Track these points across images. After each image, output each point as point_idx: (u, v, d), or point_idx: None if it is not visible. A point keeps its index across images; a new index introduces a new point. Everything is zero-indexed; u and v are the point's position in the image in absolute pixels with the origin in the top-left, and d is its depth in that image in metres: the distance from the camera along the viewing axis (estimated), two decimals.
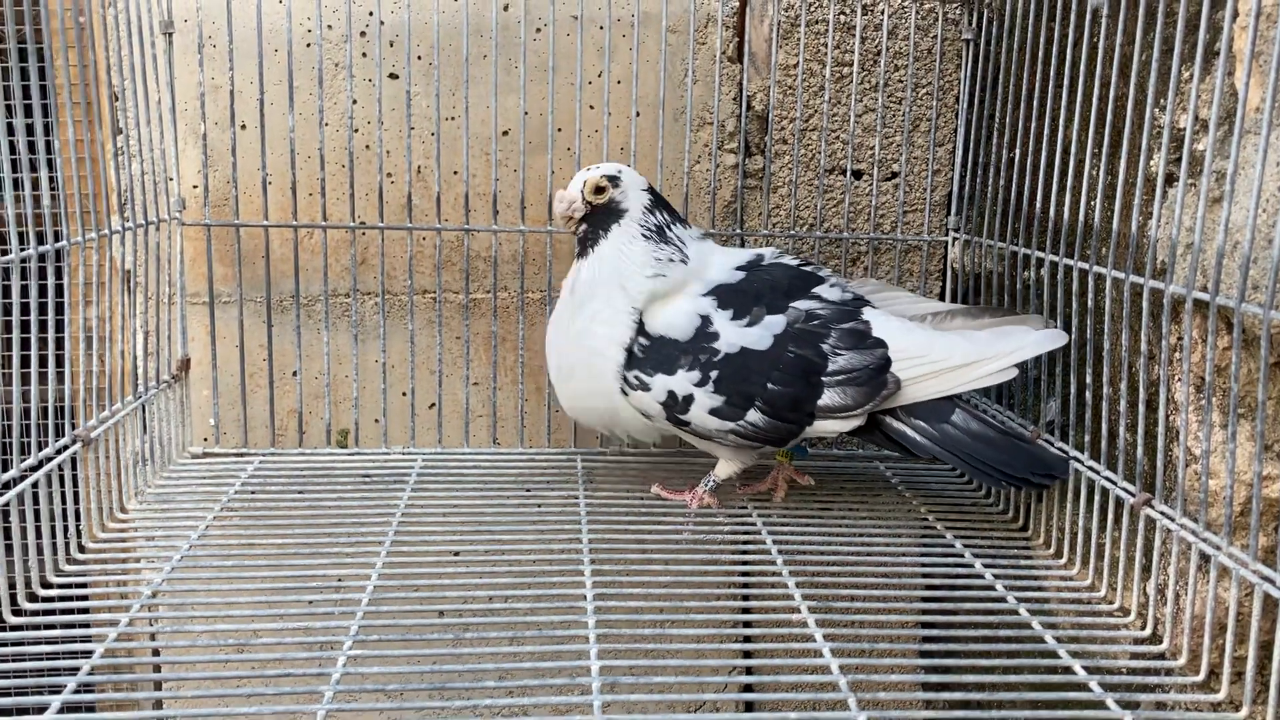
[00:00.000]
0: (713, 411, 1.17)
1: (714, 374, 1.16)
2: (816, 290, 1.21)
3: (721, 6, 1.45)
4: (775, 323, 1.17)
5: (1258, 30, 0.86)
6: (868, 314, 1.19)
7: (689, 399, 1.17)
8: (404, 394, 1.48)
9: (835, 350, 1.16)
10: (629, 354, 1.19)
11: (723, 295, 1.19)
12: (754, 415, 1.16)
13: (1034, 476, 1.13)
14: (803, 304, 1.19)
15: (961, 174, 1.47)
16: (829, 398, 1.15)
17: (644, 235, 1.20)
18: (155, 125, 1.33)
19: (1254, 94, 0.87)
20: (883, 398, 1.15)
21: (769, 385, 1.15)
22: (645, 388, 1.18)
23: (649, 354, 1.18)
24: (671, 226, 1.21)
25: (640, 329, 1.19)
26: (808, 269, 1.24)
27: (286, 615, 1.00)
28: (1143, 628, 1.00)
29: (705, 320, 1.18)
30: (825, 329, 1.17)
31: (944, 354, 1.15)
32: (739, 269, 1.22)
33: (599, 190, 1.20)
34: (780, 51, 1.46)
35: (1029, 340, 1.15)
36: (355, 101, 1.42)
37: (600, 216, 1.21)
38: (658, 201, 1.22)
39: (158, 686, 1.32)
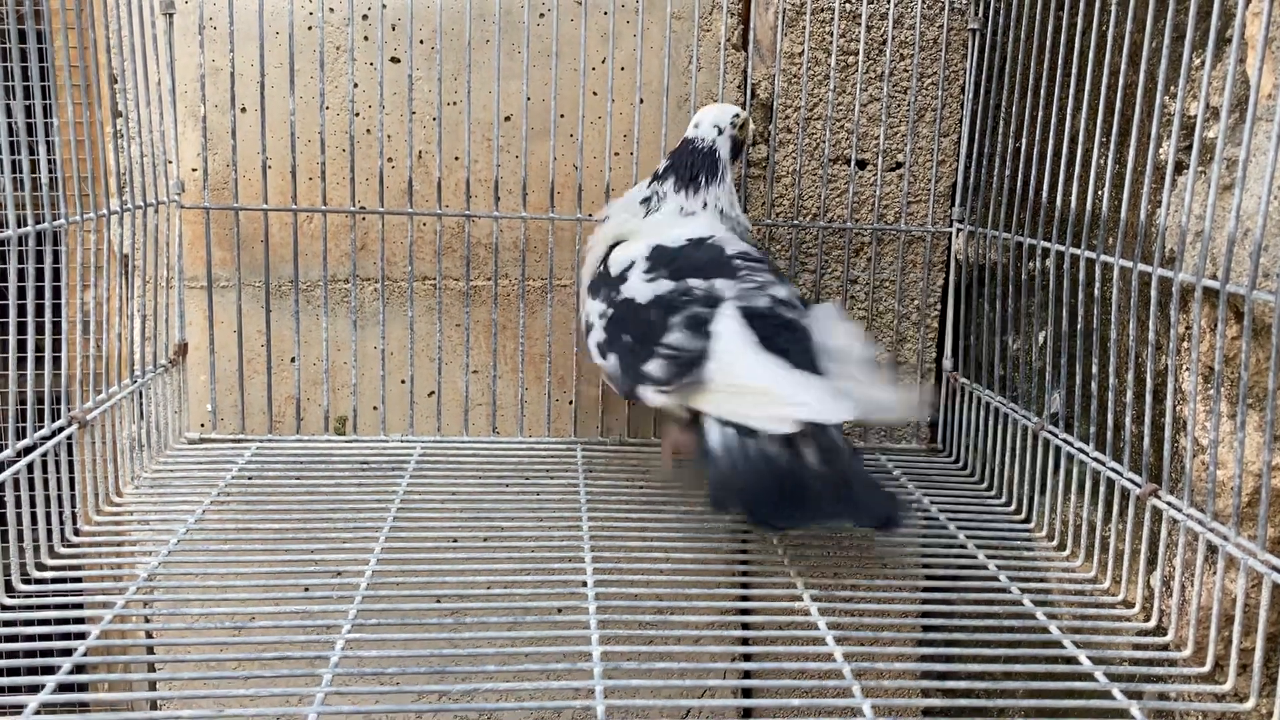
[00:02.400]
0: (598, 345, 1.24)
1: (610, 312, 1.22)
2: (722, 277, 1.17)
3: None
4: (663, 287, 1.19)
5: (1271, 16, 0.85)
6: (725, 309, 1.13)
7: (589, 326, 1.26)
8: (403, 381, 1.47)
9: (677, 327, 1.14)
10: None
11: (654, 255, 1.24)
12: (611, 359, 1.21)
13: (776, 522, 1.06)
14: (696, 282, 1.17)
15: (966, 164, 1.46)
16: (652, 366, 1.14)
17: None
18: (155, 107, 1.32)
19: (1267, 80, 0.87)
20: (684, 384, 1.10)
21: (624, 336, 1.20)
22: (591, 301, 1.28)
23: (598, 280, 1.28)
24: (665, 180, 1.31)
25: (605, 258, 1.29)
26: (738, 261, 1.20)
27: (283, 600, 0.99)
28: (1147, 620, 0.99)
29: (630, 265, 1.24)
30: (683, 305, 1.16)
31: (745, 372, 1.08)
32: (689, 239, 1.25)
33: (741, 126, 1.35)
34: (785, 40, 1.45)
35: (822, 399, 1.04)
36: (356, 85, 1.41)
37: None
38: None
39: (152, 670, 1.31)
